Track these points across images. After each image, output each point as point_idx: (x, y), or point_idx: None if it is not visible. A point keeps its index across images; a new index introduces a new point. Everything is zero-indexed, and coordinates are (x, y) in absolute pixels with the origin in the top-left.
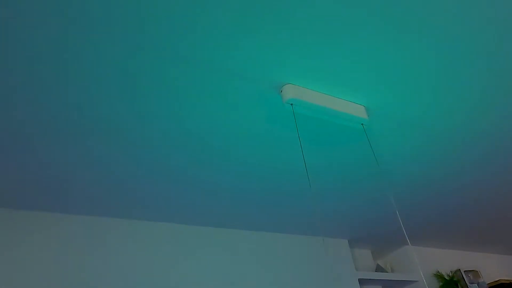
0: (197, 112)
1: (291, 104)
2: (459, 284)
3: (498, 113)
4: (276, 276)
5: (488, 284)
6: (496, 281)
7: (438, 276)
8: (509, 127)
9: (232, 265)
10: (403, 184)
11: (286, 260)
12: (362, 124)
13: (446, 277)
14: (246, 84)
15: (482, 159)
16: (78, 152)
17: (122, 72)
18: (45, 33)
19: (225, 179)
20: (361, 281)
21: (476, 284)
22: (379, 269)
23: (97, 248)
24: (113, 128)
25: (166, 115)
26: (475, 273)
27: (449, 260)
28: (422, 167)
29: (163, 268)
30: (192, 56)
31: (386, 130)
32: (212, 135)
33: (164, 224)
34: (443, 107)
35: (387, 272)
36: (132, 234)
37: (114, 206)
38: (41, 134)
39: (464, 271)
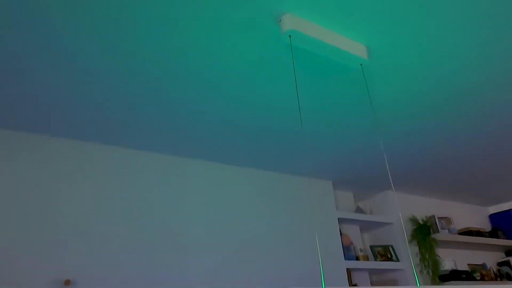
0: (190, 41)
1: (289, 36)
2: (431, 229)
3: (499, 67)
4: (258, 211)
5: (458, 230)
6: (466, 228)
7: (413, 220)
8: (507, 85)
9: (215, 197)
10: (393, 130)
11: (269, 197)
12: (361, 64)
13: (420, 222)
14: (243, 11)
15: (474, 114)
16: (70, 72)
17: None
18: None
19: (216, 112)
20: (340, 220)
21: (447, 230)
22: (358, 210)
23: (86, 174)
24: (108, 49)
25: (160, 44)
26: (447, 220)
27: (425, 206)
28: (415, 116)
29: (145, 197)
30: None
31: (384, 74)
32: (204, 65)
33: (151, 153)
34: (446, 54)
35: (365, 214)
36: (120, 162)
37: (102, 132)
38: (30, 52)
39: (438, 218)
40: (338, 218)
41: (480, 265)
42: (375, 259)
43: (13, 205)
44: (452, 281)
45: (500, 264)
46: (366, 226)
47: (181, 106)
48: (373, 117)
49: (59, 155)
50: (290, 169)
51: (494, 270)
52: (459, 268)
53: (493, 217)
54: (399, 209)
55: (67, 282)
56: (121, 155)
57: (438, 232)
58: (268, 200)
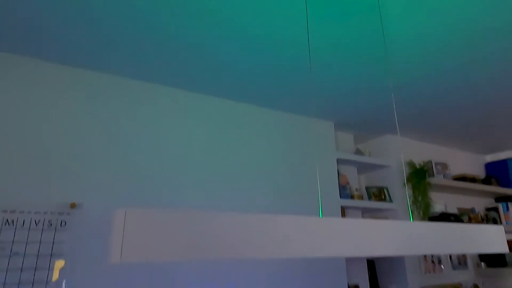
0: None
1: None
2: (427, 173)
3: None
4: (259, 147)
5: (453, 175)
6: (461, 174)
7: (410, 164)
8: None
9: (218, 130)
10: (403, 71)
11: (272, 133)
12: None
13: (417, 166)
14: None
15: (484, 60)
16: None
17: None
18: None
19: (222, 46)
20: (339, 161)
21: (442, 175)
22: (358, 152)
23: (94, 104)
24: None
25: None
26: (444, 165)
27: (423, 151)
28: (427, 59)
29: (148, 127)
30: None
31: (401, 11)
32: None
33: (155, 85)
34: None
35: (364, 155)
36: (124, 91)
37: (109, 61)
38: None
39: (435, 163)
40: (337, 159)
41: (469, 209)
42: (369, 199)
43: (15, 130)
44: (440, 222)
45: (488, 209)
46: (363, 168)
47: (185, 39)
48: (385, 58)
49: (54, 79)
50: (294, 108)
51: (482, 215)
52: (449, 211)
53: (489, 166)
54: (401, 152)
55: (73, 205)
56: (126, 84)
57: (434, 176)
58: (270, 136)
